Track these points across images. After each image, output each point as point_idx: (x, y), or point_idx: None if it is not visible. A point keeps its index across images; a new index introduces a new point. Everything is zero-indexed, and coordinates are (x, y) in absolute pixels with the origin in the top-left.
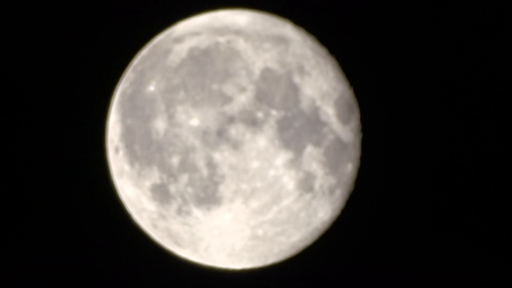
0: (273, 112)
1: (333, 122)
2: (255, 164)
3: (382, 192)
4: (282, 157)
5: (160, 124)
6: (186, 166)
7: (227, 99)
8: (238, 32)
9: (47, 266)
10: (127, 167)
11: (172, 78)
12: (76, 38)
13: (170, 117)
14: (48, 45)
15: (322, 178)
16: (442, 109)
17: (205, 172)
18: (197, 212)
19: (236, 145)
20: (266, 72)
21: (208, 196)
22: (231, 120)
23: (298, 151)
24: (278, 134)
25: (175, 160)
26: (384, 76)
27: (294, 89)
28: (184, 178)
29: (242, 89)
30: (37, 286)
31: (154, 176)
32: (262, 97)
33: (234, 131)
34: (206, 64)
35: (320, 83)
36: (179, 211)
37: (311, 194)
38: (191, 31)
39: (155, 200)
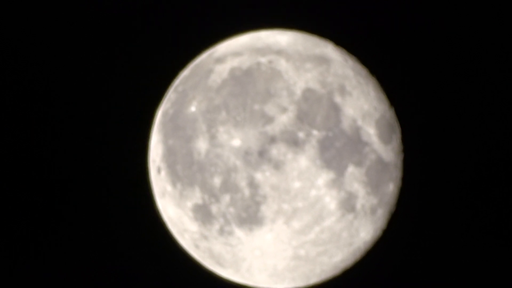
0: (315, 132)
1: (374, 142)
2: (296, 184)
3: (424, 212)
4: (323, 177)
5: (201, 145)
6: (228, 186)
7: (269, 119)
8: (279, 52)
9: (90, 286)
10: (169, 187)
11: (214, 98)
12: (118, 58)
13: (212, 137)
14: (91, 66)
15: (363, 198)
16: (484, 130)
17: (247, 192)
18: (239, 232)
19: (277, 165)
20: (308, 92)
21: (250, 216)
22: (272, 140)
23: (340, 171)
24: (320, 154)
25: (217, 180)
26: (425, 96)
27: (335, 109)
28: (226, 198)
29: (284, 109)
30: None
31: (196, 196)
32: (303, 117)
33: (276, 151)
34: (248, 84)
35: (361, 103)
36: (221, 232)
37: (353, 214)
38: (233, 51)
39: (197, 220)
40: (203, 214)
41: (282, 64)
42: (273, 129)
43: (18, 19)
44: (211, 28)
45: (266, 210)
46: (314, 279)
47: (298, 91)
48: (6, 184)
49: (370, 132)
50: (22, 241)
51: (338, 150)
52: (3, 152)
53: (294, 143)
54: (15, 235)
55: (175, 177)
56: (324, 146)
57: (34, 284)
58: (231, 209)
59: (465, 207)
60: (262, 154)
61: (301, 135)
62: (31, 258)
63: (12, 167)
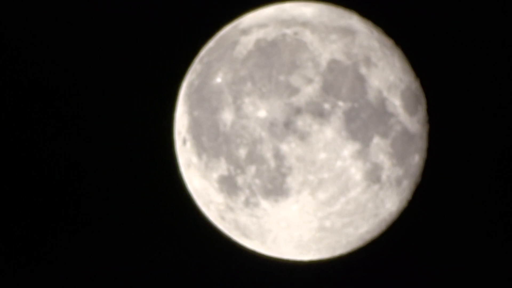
0: (340, 103)
1: (400, 113)
2: (322, 155)
3: (449, 183)
4: (349, 148)
5: (227, 116)
6: (254, 157)
7: (294, 91)
8: (304, 23)
9: (115, 258)
10: (194, 159)
11: (239, 69)
12: (144, 30)
13: (237, 108)
14: (116, 38)
15: (389, 169)
16: (510, 99)
17: (272, 163)
18: (264, 203)
19: (303, 137)
20: (333, 64)
21: (275, 188)
22: (298, 111)
23: (365, 142)
24: (345, 125)
25: (242, 152)
26: (451, 67)
27: (361, 80)
28: (252, 169)
29: (309, 81)
30: (106, 277)
31: (222, 167)
32: (329, 89)
33: (301, 122)
34: (273, 55)
35: (387, 74)
36: (247, 203)
37: (379, 185)
38: (258, 22)
39: (223, 191)
40: (228, 185)
41: (308, 36)
42: (298, 100)
43: (38, 14)
44: (237, 0)
45: (292, 181)
46: (340, 251)
47: (324, 63)
48: (38, 163)
49: (396, 103)
50: (50, 217)
51: (364, 121)
52: (35, 132)
53: (320, 114)
54: (48, 210)
55: (200, 148)
56: (350, 117)
57: (63, 258)
58: (257, 181)
59: (490, 178)
60: (288, 125)
61: (326, 106)
62: (62, 232)
63: (37, 143)
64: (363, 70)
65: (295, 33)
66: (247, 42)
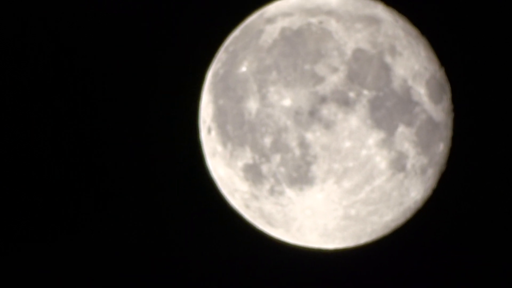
0: (365, 92)
1: (425, 101)
2: (347, 144)
3: (474, 171)
4: (374, 137)
5: (252, 105)
6: (279, 146)
7: (319, 79)
8: (329, 12)
9: (140, 246)
10: (219, 148)
11: (264, 58)
12: (169, 19)
13: (262, 97)
14: (142, 28)
15: (414, 157)
16: None
17: (297, 152)
18: (289, 192)
19: (328, 125)
20: (358, 53)
21: (300, 176)
22: (323, 100)
23: (390, 130)
24: (370, 114)
25: (267, 140)
26: (476, 55)
27: (386, 69)
28: (277, 158)
29: (334, 69)
30: (132, 264)
31: (247, 156)
32: (354, 77)
33: (326, 111)
34: (298, 44)
35: (412, 63)
36: (272, 191)
37: (403, 174)
38: (283, 11)
39: (248, 180)
40: (253, 174)
41: (333, 25)
42: (323, 89)
43: (66, 13)
44: None
45: (317, 170)
46: (365, 239)
47: (349, 51)
48: (60, 157)
49: (421, 92)
50: (83, 204)
51: (389, 110)
52: (57, 128)
53: (345, 103)
54: (75, 201)
55: (225, 137)
56: (375, 106)
57: (95, 245)
58: (282, 169)
59: None
60: (313, 114)
61: (351, 95)
62: (86, 221)
63: (64, 133)
64: (388, 59)
65: (320, 22)
66: (272, 31)
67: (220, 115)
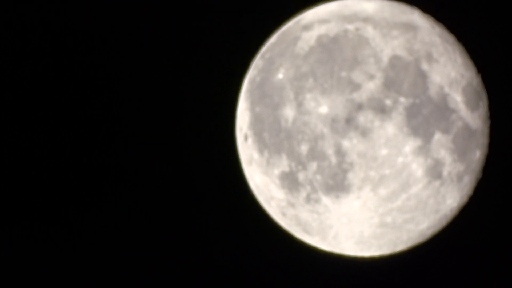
0: (402, 99)
1: (461, 109)
2: (383, 151)
3: (511, 178)
4: (410, 144)
5: (288, 112)
6: (315, 153)
7: (356, 87)
8: (366, 19)
9: (178, 252)
10: (256, 155)
11: (301, 65)
12: (207, 25)
13: (299, 104)
14: (179, 34)
15: (450, 165)
16: None
17: (333, 159)
18: (326, 200)
19: (364, 133)
20: (395, 59)
21: (337, 184)
22: (359, 107)
23: (427, 138)
24: (407, 121)
25: (304, 148)
26: None
27: (422, 76)
28: (313, 166)
29: (371, 77)
30: (169, 269)
31: (283, 164)
32: (390, 84)
33: (363, 118)
34: (335, 51)
35: (448, 70)
36: (308, 199)
37: (440, 181)
38: (320, 18)
39: (284, 188)
40: (290, 181)
41: (369, 31)
42: (360, 96)
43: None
44: None
45: (353, 177)
46: (401, 246)
47: (385, 58)
48: (104, 159)
49: (457, 99)
50: (119, 208)
51: (425, 117)
52: (76, 129)
53: (381, 110)
54: (116, 202)
55: (262, 144)
56: (411, 113)
57: (127, 249)
58: (318, 177)
59: None
60: (349, 121)
61: (388, 102)
62: (124, 228)
63: (104, 139)
64: (424, 66)
65: (357, 29)
66: (309, 38)
67: (256, 123)
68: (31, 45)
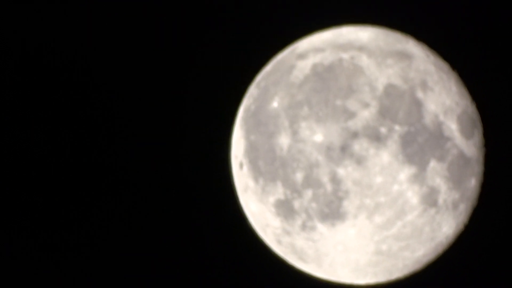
0: (397, 127)
1: (456, 137)
2: (378, 179)
3: (506, 207)
4: (405, 172)
5: (284, 140)
6: (310, 181)
7: (351, 115)
8: (361, 48)
9: (171, 280)
10: (251, 183)
11: (296, 94)
12: (201, 55)
13: (294, 133)
14: (174, 62)
15: (445, 193)
16: None
17: (329, 187)
18: (321, 227)
19: (359, 160)
20: (389, 88)
21: (332, 212)
22: (354, 135)
23: (422, 166)
24: (402, 149)
25: (299, 176)
26: (507, 90)
27: (417, 104)
28: (308, 193)
29: (366, 105)
30: None
31: (278, 191)
32: (385, 113)
33: (358, 146)
34: (330, 80)
35: (443, 98)
36: (304, 227)
37: (435, 209)
38: (315, 47)
39: (280, 215)
40: (285, 209)
41: (364, 60)
42: (355, 124)
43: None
44: (293, 24)
45: (348, 205)
46: (397, 274)
47: (380, 87)
48: (103, 190)
49: (452, 127)
50: (101, 235)
51: (420, 145)
52: (85, 147)
53: (376, 138)
54: (110, 233)
55: (257, 172)
56: (406, 141)
57: (124, 271)
58: (314, 204)
59: None
60: (344, 149)
61: (383, 130)
62: (112, 254)
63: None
64: (419, 94)
65: (352, 58)
66: (304, 67)
67: (251, 151)
68: (31, 45)
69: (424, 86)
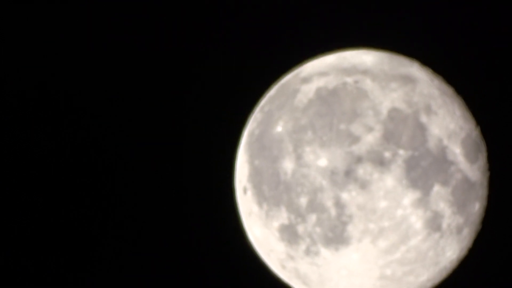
0: (401, 152)
1: (460, 161)
2: (382, 203)
3: (510, 230)
4: (409, 197)
5: (288, 165)
6: (314, 206)
7: (355, 139)
8: (365, 72)
9: None
10: (255, 208)
11: (300, 118)
12: (205, 79)
13: (298, 157)
14: (178, 88)
15: (449, 217)
16: None
17: (333, 212)
18: (325, 252)
19: (364, 185)
20: (393, 112)
21: (336, 236)
22: (358, 160)
23: (426, 190)
24: (406, 174)
25: (303, 200)
26: (511, 114)
27: (421, 128)
28: (312, 218)
29: (370, 129)
30: None
31: (282, 216)
32: (389, 137)
33: (362, 170)
34: (334, 104)
35: (447, 122)
36: (308, 252)
37: (439, 233)
38: (319, 71)
39: (284, 240)
40: (289, 234)
41: (368, 84)
42: (359, 148)
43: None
44: (297, 48)
45: (353, 229)
46: None
47: (384, 111)
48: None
49: (456, 152)
50: (108, 253)
51: (424, 169)
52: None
53: (380, 162)
54: (120, 263)
55: (261, 197)
56: (410, 166)
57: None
58: (318, 229)
59: None
60: (349, 173)
61: (387, 154)
62: (113, 272)
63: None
64: (423, 118)
65: (356, 82)
66: (308, 91)
67: (255, 175)
68: (31, 45)
69: (428, 110)
